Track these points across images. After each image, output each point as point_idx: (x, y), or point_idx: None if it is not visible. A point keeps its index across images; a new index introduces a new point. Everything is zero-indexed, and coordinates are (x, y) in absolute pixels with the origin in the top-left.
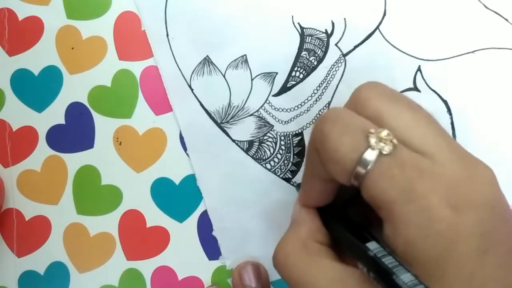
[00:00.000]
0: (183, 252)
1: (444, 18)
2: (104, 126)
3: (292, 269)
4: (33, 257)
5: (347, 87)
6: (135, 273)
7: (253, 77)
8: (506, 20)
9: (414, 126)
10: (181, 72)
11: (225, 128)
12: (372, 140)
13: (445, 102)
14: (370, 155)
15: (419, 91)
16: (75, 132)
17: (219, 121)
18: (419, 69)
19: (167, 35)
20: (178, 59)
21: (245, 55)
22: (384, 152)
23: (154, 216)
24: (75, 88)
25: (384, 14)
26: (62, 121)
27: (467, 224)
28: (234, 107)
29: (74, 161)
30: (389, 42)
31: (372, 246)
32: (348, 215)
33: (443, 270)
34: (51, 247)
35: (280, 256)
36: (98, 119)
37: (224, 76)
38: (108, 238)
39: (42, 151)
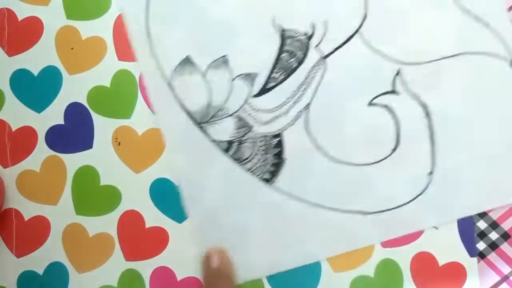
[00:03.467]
0: (182, 252)
1: (425, 22)
2: (103, 127)
3: None
4: (32, 257)
5: (326, 89)
6: (134, 274)
7: (233, 78)
8: (487, 25)
9: None
10: (162, 71)
11: (204, 128)
12: None
13: (424, 106)
14: None
15: (398, 94)
16: (74, 133)
17: (198, 121)
18: (398, 73)
19: (149, 33)
20: (159, 58)
21: (226, 55)
22: None
23: (153, 217)
24: (75, 89)
25: (365, 17)
26: (61, 122)
27: None
28: (214, 107)
29: (73, 161)
30: (369, 45)
31: None
32: None
33: None
34: (50, 247)
35: None
36: (97, 120)
37: (204, 76)
38: (107, 239)
39: (41, 151)
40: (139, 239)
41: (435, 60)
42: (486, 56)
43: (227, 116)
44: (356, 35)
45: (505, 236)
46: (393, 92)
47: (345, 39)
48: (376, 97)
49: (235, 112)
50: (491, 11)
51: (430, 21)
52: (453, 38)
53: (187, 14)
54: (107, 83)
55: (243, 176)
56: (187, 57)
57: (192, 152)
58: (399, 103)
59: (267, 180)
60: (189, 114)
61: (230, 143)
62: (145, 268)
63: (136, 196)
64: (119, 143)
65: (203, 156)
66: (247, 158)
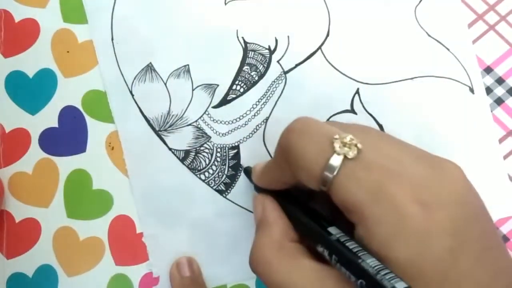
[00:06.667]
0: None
1: (387, 43)
2: (97, 131)
3: (273, 274)
4: (22, 259)
5: (286, 104)
6: (123, 279)
7: (194, 88)
8: (448, 49)
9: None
10: (123, 77)
11: (163, 136)
12: (337, 145)
13: (380, 126)
14: (335, 161)
15: (355, 113)
16: (68, 136)
17: (157, 129)
18: (357, 92)
19: (112, 39)
20: (121, 64)
21: (188, 65)
22: (349, 157)
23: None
24: (69, 92)
25: (327, 35)
26: (55, 124)
27: (438, 222)
28: (173, 115)
29: (66, 164)
30: (330, 63)
31: (334, 230)
32: (306, 203)
33: (418, 269)
34: (40, 250)
35: (259, 262)
36: (91, 124)
37: (165, 84)
38: (97, 243)
39: (35, 153)
40: (130, 244)
41: (395, 82)
42: (444, 81)
43: (186, 126)
44: (318, 53)
45: (503, 239)
46: (351, 111)
47: (307, 55)
48: (334, 115)
49: (194, 122)
50: (456, 40)
51: (392, 42)
52: (414, 61)
53: (151, 23)
54: (101, 87)
55: (198, 186)
56: (149, 64)
57: (149, 159)
58: (357, 123)
59: (221, 192)
60: (148, 121)
61: (187, 152)
62: (135, 273)
63: (128, 201)
64: (113, 147)
65: (159, 164)
66: (203, 168)
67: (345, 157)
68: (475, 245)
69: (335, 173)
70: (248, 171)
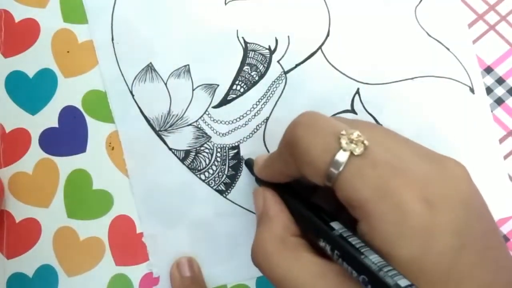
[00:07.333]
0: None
1: (387, 43)
2: (97, 131)
3: (274, 268)
4: (22, 259)
5: (286, 104)
6: (123, 279)
7: (194, 88)
8: (448, 49)
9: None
10: (123, 77)
11: (163, 136)
12: (343, 142)
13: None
14: (341, 156)
15: (356, 113)
16: (68, 136)
17: (157, 129)
18: (357, 92)
19: (112, 39)
20: (121, 64)
21: (188, 65)
22: (355, 153)
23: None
24: (70, 92)
25: (328, 35)
26: (56, 124)
27: (442, 221)
28: (173, 115)
29: (66, 164)
30: (330, 63)
31: (337, 226)
32: (308, 197)
33: (420, 267)
34: (40, 250)
35: (260, 256)
36: (92, 124)
37: (166, 84)
38: (97, 243)
39: (35, 153)
40: (130, 245)
41: (396, 82)
42: (445, 81)
43: (186, 126)
44: (318, 53)
45: (503, 239)
46: (351, 111)
47: (307, 55)
48: (334, 115)
49: (194, 122)
50: (456, 40)
51: (392, 41)
52: (414, 61)
53: (151, 23)
54: (102, 87)
55: (198, 186)
56: (149, 64)
57: (149, 159)
58: None
59: (221, 192)
60: (148, 121)
61: (187, 152)
62: (135, 273)
63: (128, 201)
64: (113, 147)
65: (159, 164)
66: (203, 168)
67: (351, 153)
68: (478, 244)
69: (340, 169)
70: (249, 163)
